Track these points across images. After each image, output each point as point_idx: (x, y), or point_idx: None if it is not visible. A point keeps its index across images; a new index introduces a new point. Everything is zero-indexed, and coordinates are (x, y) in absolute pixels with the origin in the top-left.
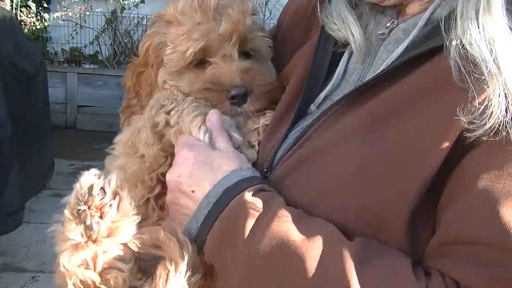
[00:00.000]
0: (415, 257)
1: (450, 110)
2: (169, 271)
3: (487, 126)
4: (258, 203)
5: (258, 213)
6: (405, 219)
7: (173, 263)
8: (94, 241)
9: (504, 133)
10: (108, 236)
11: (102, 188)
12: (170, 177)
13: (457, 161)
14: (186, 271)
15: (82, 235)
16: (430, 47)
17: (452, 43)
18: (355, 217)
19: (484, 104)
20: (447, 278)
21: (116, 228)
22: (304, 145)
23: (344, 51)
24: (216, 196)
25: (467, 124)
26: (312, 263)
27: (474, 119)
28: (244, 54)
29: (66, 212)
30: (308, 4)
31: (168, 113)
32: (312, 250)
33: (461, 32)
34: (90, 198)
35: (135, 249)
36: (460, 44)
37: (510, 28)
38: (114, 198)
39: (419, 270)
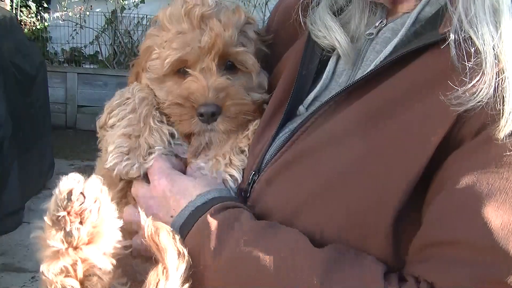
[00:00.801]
0: (399, 263)
1: (438, 110)
2: (159, 280)
3: (476, 99)
4: (218, 221)
5: (217, 232)
6: (389, 222)
7: (165, 272)
8: (75, 248)
9: (487, 131)
10: (89, 242)
11: (82, 193)
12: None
13: (441, 161)
14: (180, 282)
15: (63, 242)
16: (419, 45)
17: (452, 30)
18: (343, 221)
19: (474, 82)
20: (423, 283)
21: (97, 233)
22: (292, 147)
23: (332, 54)
24: (181, 222)
25: (454, 100)
26: (277, 277)
27: (462, 94)
28: (230, 66)
29: (46, 218)
30: (296, 6)
31: (110, 113)
32: (277, 263)
33: (463, 12)
34: (69, 203)
35: (113, 261)
36: (461, 27)
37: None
38: (95, 202)
39: (392, 277)
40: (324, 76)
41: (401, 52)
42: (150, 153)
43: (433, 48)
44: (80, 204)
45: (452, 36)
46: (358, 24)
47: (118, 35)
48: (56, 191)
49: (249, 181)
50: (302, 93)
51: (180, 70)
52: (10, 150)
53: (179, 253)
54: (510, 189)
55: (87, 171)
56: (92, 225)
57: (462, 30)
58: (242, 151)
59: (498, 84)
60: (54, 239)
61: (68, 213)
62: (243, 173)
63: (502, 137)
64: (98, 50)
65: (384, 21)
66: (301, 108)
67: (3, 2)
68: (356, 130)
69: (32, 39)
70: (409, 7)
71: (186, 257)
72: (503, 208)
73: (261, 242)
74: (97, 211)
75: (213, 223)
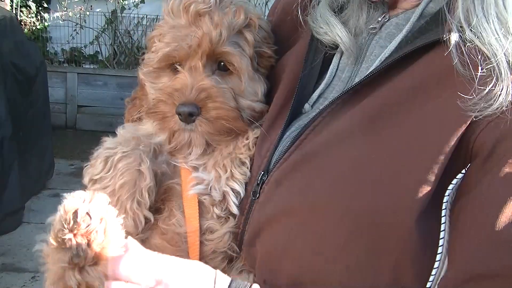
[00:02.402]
0: (422, 271)
1: (452, 105)
2: None
3: (494, 106)
4: None
5: None
6: (410, 226)
7: None
8: (81, 269)
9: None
10: (94, 264)
11: (88, 213)
12: None
13: (462, 162)
14: None
15: (69, 263)
16: (426, 42)
17: (452, 35)
18: (354, 222)
19: (490, 88)
20: None
21: (103, 254)
22: (300, 146)
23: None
24: None
25: (472, 107)
26: None
27: (479, 100)
28: (223, 67)
29: (51, 238)
30: (295, 3)
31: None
32: None
33: (465, 21)
34: (75, 225)
35: None
36: (462, 33)
37: None
38: (100, 222)
39: None
40: (329, 73)
41: (409, 49)
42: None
43: (439, 44)
44: (87, 226)
45: (453, 42)
46: (356, 20)
47: (118, 35)
48: (61, 210)
49: (258, 182)
50: (307, 91)
51: (173, 67)
52: (10, 150)
53: None
54: None
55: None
56: (98, 247)
57: (465, 39)
58: (243, 163)
59: None
60: (59, 260)
61: (75, 235)
62: (245, 186)
63: None
64: (98, 50)
65: (387, 16)
66: (307, 106)
67: (3, 2)
68: (366, 128)
69: (32, 39)
70: (411, 5)
71: None
72: None
73: None
74: (103, 231)
75: None
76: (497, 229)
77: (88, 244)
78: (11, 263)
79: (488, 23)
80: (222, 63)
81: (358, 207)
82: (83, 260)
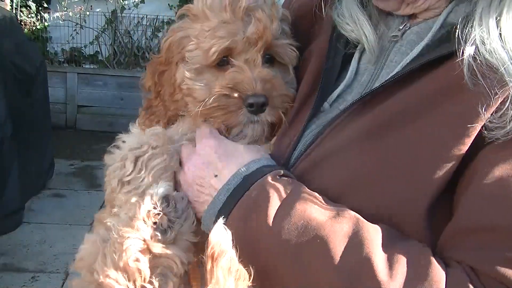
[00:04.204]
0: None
1: (468, 110)
2: None
3: (507, 128)
4: (280, 185)
5: (280, 196)
6: (422, 214)
7: None
8: (159, 244)
9: None
10: (173, 243)
11: (174, 202)
12: (188, 169)
13: (472, 157)
14: None
15: (152, 237)
16: (447, 52)
17: (466, 49)
18: (371, 215)
19: (504, 107)
20: (465, 265)
21: (180, 239)
22: (321, 144)
23: (355, 52)
24: (236, 183)
25: (488, 123)
26: (337, 249)
27: (493, 120)
28: (269, 59)
29: (142, 211)
30: (312, 1)
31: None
32: (338, 233)
33: (479, 39)
34: (167, 208)
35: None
36: (477, 50)
37: None
38: (182, 213)
39: (437, 259)
40: (348, 74)
41: (431, 57)
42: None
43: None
44: (174, 211)
45: (466, 61)
46: (378, 24)
47: (118, 35)
48: (152, 193)
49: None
50: (327, 90)
51: (219, 62)
52: (10, 150)
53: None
54: None
55: (87, 171)
56: (178, 233)
57: (480, 58)
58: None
59: None
60: (145, 232)
61: (165, 215)
62: None
63: None
64: (98, 50)
65: (408, 24)
66: (326, 105)
67: (3, 2)
68: (386, 129)
69: (32, 39)
70: (430, 16)
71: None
72: None
73: (323, 207)
74: (183, 221)
75: (278, 186)
76: (502, 186)
77: (171, 228)
78: (11, 263)
79: (503, 50)
80: (267, 56)
81: (377, 202)
82: (167, 238)
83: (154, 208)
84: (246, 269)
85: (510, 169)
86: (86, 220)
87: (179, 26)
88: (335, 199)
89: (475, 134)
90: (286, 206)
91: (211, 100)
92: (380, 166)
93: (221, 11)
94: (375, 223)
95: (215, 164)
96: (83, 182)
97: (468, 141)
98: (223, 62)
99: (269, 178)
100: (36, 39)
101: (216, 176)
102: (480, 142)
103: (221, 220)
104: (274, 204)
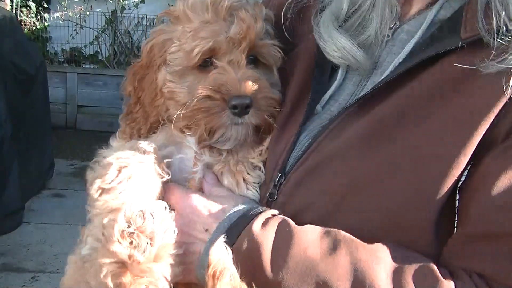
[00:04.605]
0: (436, 255)
1: (472, 108)
2: None
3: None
4: (268, 232)
5: (272, 243)
6: (428, 218)
7: None
8: (139, 264)
9: None
10: (154, 261)
11: (151, 214)
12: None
13: (479, 158)
14: None
15: (129, 257)
16: (442, 50)
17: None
18: (377, 219)
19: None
20: (474, 275)
21: (161, 255)
22: (318, 149)
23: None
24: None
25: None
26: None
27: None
28: (252, 60)
29: (115, 231)
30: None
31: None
32: (340, 272)
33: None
34: (143, 224)
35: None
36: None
37: None
38: (161, 224)
39: (443, 271)
40: (339, 75)
41: (425, 55)
42: None
43: (455, 51)
44: (151, 225)
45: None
46: (378, 27)
47: (118, 35)
48: (126, 208)
49: (275, 183)
50: (318, 93)
51: (202, 64)
52: (10, 150)
53: None
54: None
55: (87, 171)
56: (158, 247)
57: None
58: (256, 167)
59: None
60: (121, 254)
61: (141, 232)
62: (259, 190)
63: None
64: (98, 50)
65: (398, 23)
66: (318, 107)
67: (3, 2)
68: (384, 132)
69: (32, 39)
70: (422, 7)
71: None
72: None
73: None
74: (163, 233)
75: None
76: (507, 194)
77: (151, 244)
78: (11, 263)
79: None
80: (251, 57)
81: (382, 204)
82: (145, 256)
83: (129, 227)
84: (248, 285)
85: None
86: (86, 220)
87: (160, 28)
88: (336, 204)
89: (480, 136)
90: (280, 252)
91: (193, 102)
92: (382, 170)
93: (203, 12)
94: (379, 231)
95: (201, 221)
96: (83, 182)
97: (473, 143)
98: (206, 63)
99: (254, 226)
100: (36, 39)
101: (206, 230)
102: (486, 144)
103: (221, 239)
104: (267, 253)
